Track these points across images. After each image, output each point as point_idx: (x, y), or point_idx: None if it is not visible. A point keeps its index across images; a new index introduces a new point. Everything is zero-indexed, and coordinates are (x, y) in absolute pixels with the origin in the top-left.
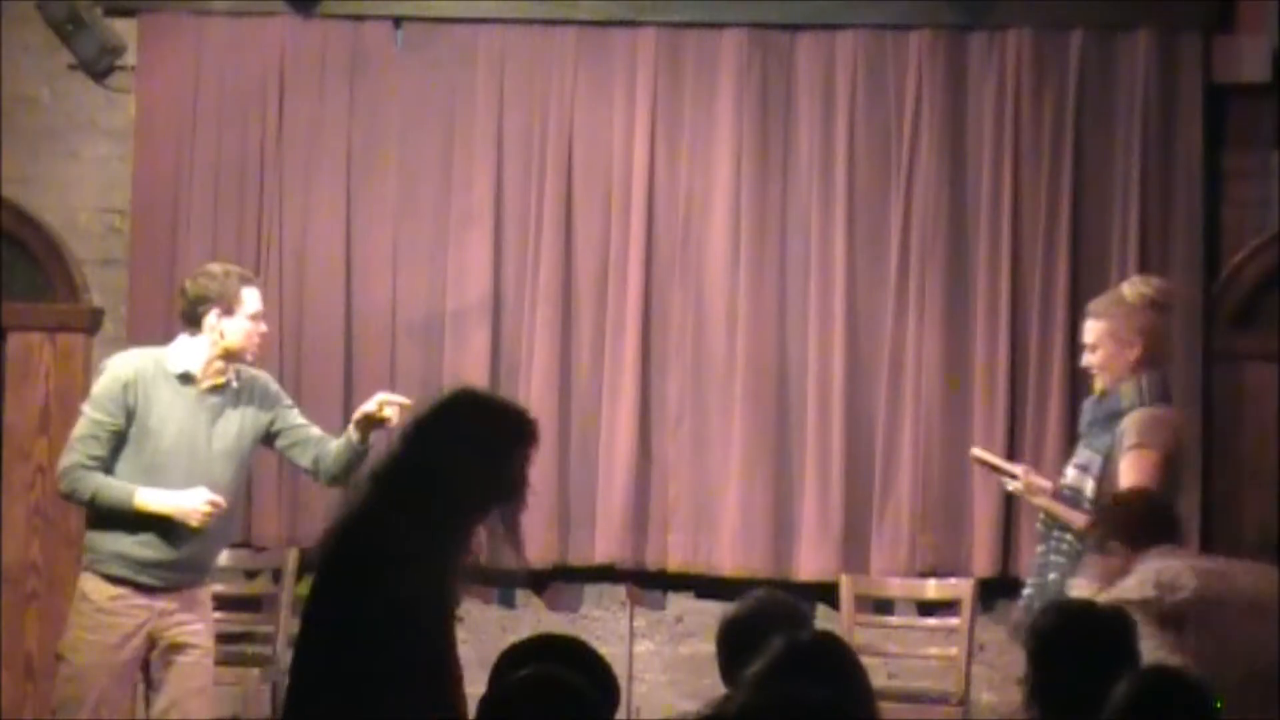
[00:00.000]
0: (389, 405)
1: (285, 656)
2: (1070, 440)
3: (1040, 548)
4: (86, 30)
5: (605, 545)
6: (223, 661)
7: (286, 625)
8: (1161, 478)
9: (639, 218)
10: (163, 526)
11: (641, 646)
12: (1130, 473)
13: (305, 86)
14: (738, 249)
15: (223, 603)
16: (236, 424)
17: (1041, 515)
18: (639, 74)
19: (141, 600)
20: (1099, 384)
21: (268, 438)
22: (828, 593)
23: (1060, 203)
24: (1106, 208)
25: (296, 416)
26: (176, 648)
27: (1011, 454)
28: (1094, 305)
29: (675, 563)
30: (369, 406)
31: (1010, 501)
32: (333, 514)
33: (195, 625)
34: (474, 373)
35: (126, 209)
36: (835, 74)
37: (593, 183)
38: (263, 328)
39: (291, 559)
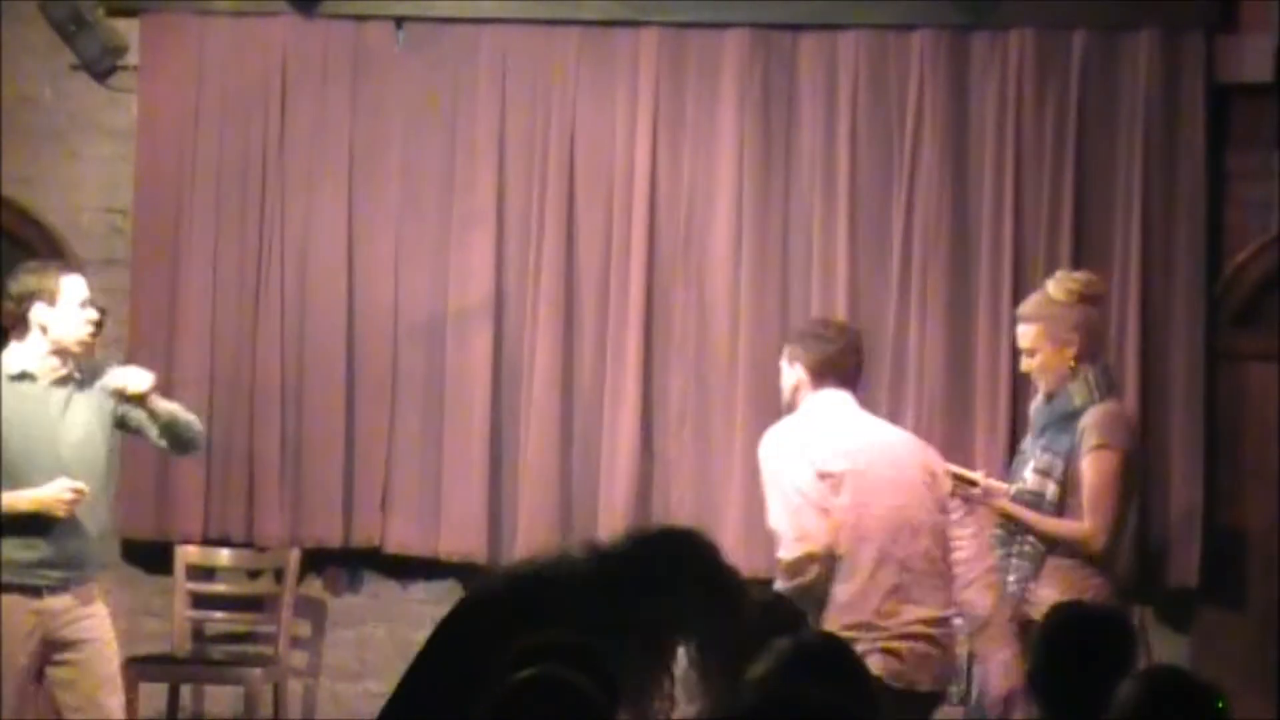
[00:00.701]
0: (124, 378)
1: (287, 656)
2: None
3: (999, 551)
4: (89, 30)
5: None
6: (225, 661)
7: (288, 625)
8: (1123, 477)
9: (641, 218)
10: (37, 525)
11: None
12: (1093, 473)
13: (307, 87)
14: (740, 249)
15: (225, 602)
16: (84, 414)
17: (997, 519)
18: (641, 74)
19: (32, 604)
20: (1043, 387)
21: (121, 424)
22: None
23: (1062, 202)
24: (1109, 208)
25: None
26: (71, 645)
27: (1014, 453)
28: (1024, 309)
29: None
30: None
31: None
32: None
33: (86, 621)
34: (476, 373)
35: (129, 209)
36: (838, 74)
37: (595, 183)
38: (91, 314)
39: (294, 559)
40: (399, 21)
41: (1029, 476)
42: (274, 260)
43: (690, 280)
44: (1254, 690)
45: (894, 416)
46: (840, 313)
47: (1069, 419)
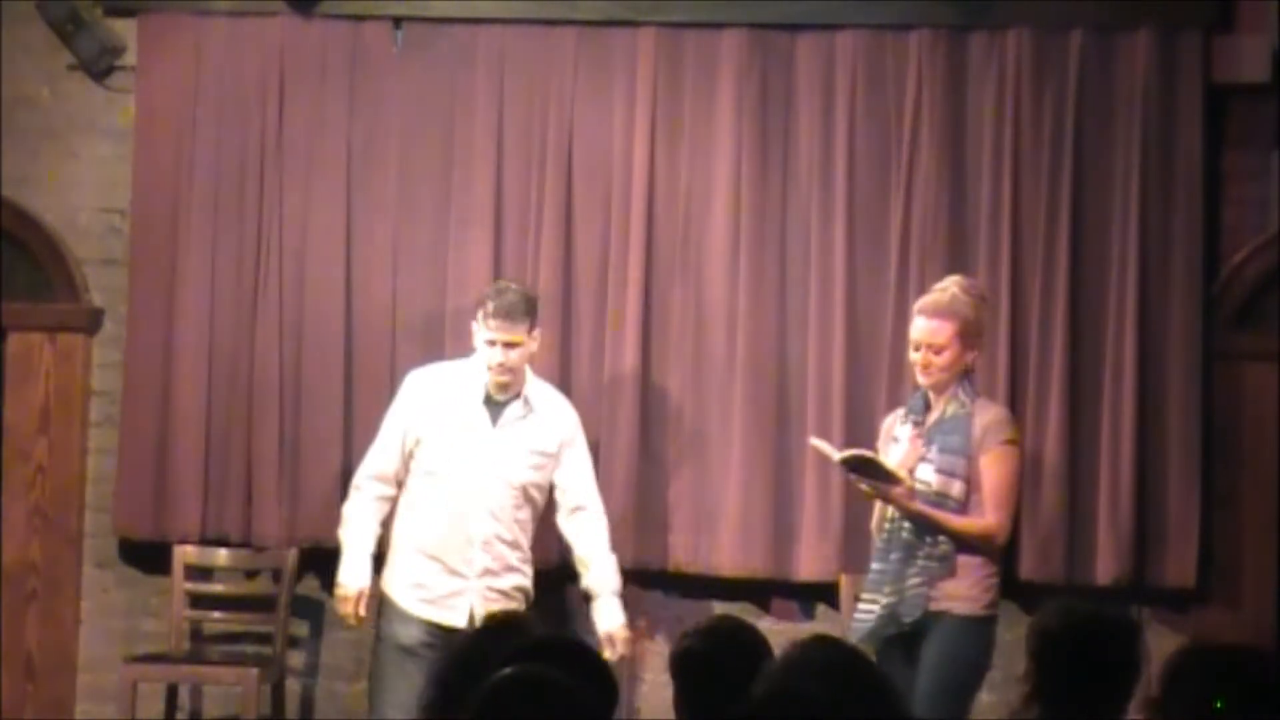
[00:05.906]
0: None
1: (285, 656)
2: (1072, 438)
3: (895, 554)
4: (86, 30)
5: None
6: (223, 661)
7: (286, 625)
8: (1021, 473)
9: (639, 218)
10: None
11: (641, 646)
12: (1000, 465)
13: (305, 87)
14: (737, 249)
15: (223, 602)
16: None
17: (895, 521)
18: (639, 74)
19: None
20: (932, 382)
21: None
22: (828, 592)
23: (1060, 202)
24: (1106, 208)
25: None
26: None
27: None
28: (936, 305)
29: (675, 563)
30: None
31: None
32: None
33: None
34: None
35: (126, 209)
36: (835, 74)
37: (593, 183)
38: None
39: (291, 559)
40: (397, 21)
41: (934, 478)
42: (272, 260)
43: (688, 279)
44: None
45: None
46: (837, 311)
47: (956, 420)
